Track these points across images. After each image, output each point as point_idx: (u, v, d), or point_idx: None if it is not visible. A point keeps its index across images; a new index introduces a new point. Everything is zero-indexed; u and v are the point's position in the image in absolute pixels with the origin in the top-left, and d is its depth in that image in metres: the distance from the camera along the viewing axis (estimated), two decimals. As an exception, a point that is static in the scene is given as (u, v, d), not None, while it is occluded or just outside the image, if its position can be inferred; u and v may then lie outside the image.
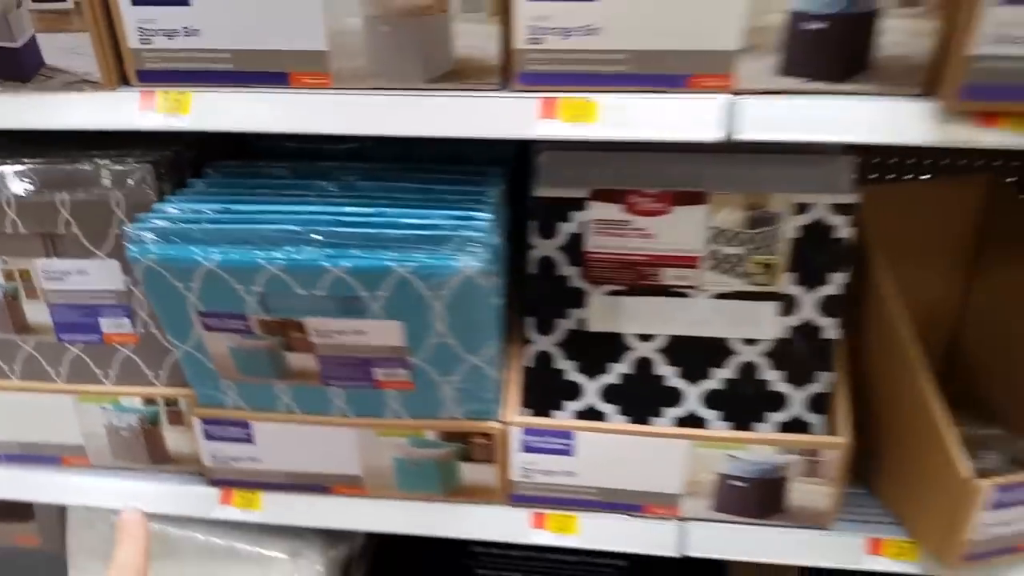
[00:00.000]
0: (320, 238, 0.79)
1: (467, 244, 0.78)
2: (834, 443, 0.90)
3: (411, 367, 0.88)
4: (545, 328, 0.97)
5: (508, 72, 0.77)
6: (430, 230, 0.79)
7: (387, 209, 0.84)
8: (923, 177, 1.17)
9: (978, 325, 1.11)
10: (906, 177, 1.17)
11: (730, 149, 0.87)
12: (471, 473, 0.97)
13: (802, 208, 0.89)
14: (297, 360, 0.90)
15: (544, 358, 0.98)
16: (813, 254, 0.90)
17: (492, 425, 0.94)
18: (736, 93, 0.75)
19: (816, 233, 0.89)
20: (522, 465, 0.96)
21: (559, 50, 0.75)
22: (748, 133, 0.74)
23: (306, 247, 0.80)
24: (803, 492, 0.93)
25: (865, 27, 0.71)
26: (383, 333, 0.85)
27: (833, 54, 0.72)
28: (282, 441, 0.99)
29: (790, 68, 0.73)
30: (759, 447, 0.91)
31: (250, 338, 0.89)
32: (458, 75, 0.78)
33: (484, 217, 0.81)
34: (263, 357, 0.90)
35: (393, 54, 0.77)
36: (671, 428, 0.96)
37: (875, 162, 1.18)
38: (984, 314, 1.10)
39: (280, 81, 0.81)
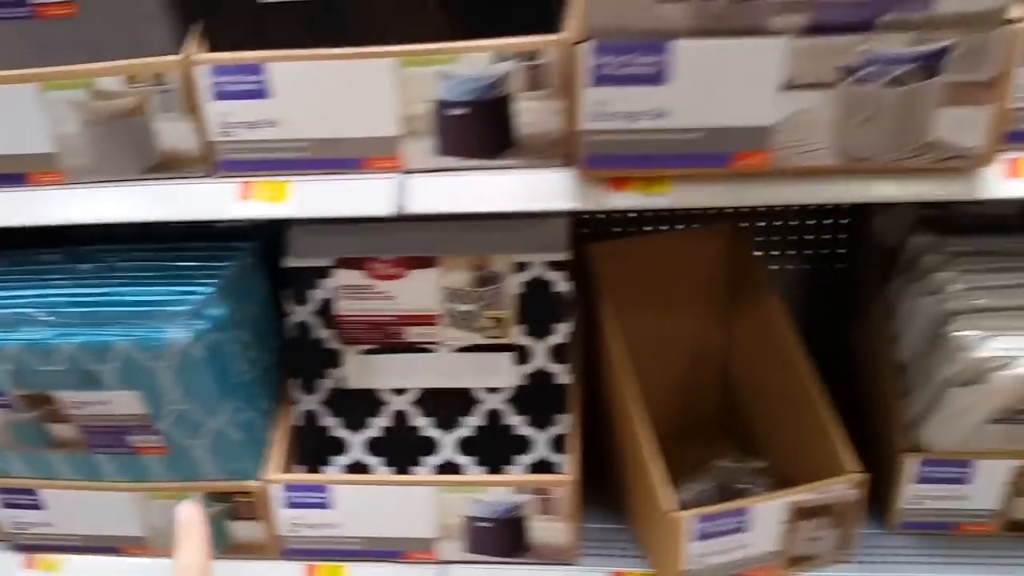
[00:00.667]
0: (51, 319, 0.87)
1: (181, 317, 0.86)
2: (561, 481, 0.97)
3: (159, 433, 0.95)
4: (308, 388, 1.04)
5: (210, 161, 0.86)
6: (151, 306, 0.87)
7: (121, 287, 0.91)
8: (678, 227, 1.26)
9: (738, 364, 1.19)
10: (662, 228, 1.26)
11: (462, 217, 0.96)
12: (242, 531, 1.03)
13: (521, 267, 0.97)
14: (62, 431, 0.97)
15: (310, 416, 1.05)
16: (537, 308, 0.98)
17: (251, 484, 1.00)
18: (406, 172, 0.84)
19: (537, 289, 0.97)
20: (288, 520, 1.03)
21: (249, 140, 0.84)
22: (416, 207, 0.82)
23: (40, 327, 0.88)
24: (542, 529, 0.99)
25: (501, 110, 0.80)
26: (124, 403, 0.92)
27: (479, 135, 0.81)
28: (68, 506, 1.05)
29: (447, 149, 0.82)
30: (496, 489, 0.98)
31: (16, 412, 0.95)
32: (169, 166, 0.87)
33: (205, 290, 0.89)
34: (31, 429, 0.97)
35: (109, 151, 0.86)
36: (416, 476, 1.03)
37: (631, 216, 1.27)
38: (740, 354, 1.18)
39: (20, 181, 0.90)
